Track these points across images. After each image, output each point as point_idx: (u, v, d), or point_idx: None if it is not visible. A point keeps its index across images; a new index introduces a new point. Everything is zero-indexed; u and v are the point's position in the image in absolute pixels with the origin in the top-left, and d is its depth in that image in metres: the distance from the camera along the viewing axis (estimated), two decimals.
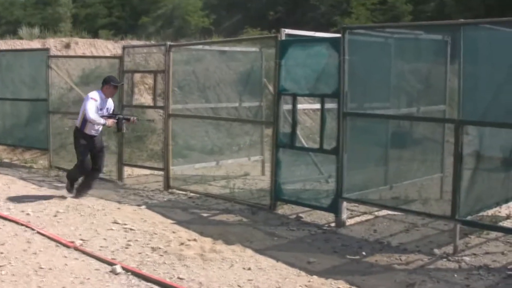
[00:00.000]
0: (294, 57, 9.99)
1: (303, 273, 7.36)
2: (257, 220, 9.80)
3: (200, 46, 14.49)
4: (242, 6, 41.45)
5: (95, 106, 10.62)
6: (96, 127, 10.87)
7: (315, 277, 7.23)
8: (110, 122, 10.88)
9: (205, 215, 10.25)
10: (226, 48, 14.28)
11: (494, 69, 8.42)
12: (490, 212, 9.53)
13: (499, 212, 9.79)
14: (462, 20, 8.38)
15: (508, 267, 7.67)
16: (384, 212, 10.07)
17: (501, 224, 9.40)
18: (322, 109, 9.55)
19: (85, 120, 10.69)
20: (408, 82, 10.84)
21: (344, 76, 9.05)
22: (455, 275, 7.35)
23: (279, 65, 9.95)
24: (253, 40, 13.35)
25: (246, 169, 14.12)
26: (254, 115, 14.34)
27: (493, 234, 8.88)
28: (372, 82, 10.02)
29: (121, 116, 11.15)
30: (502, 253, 8.19)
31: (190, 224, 9.53)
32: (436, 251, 8.23)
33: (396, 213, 9.88)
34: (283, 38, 10.05)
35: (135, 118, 11.35)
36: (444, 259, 7.94)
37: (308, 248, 8.40)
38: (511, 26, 8.42)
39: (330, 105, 9.87)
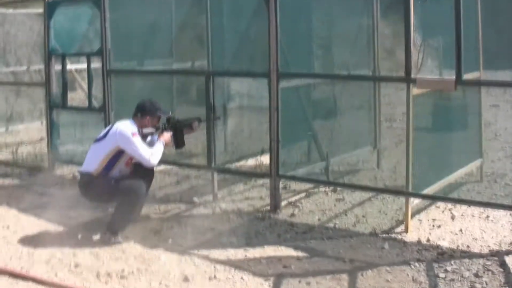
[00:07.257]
0: (62, 17, 10.56)
1: (61, 228, 8.02)
2: (33, 183, 10.28)
3: None
4: None
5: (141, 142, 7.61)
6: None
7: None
8: (167, 138, 7.85)
9: None
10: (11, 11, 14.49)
11: (239, 18, 9.32)
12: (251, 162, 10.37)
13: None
14: None
15: (262, 209, 8.60)
16: (162, 167, 10.72)
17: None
18: (89, 68, 10.21)
19: (110, 165, 7.59)
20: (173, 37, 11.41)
21: (106, 33, 9.71)
22: (205, 220, 8.25)
23: (48, 27, 10.52)
24: (19, 3, 13.59)
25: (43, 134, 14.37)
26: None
27: (260, 181, 9.72)
28: (138, 38, 10.73)
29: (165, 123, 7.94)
30: (261, 198, 9.13)
31: None
32: (196, 199, 9.12)
33: (171, 166, 10.51)
34: None
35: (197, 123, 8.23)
36: (202, 207, 8.84)
37: (75, 205, 8.72)
38: None
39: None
